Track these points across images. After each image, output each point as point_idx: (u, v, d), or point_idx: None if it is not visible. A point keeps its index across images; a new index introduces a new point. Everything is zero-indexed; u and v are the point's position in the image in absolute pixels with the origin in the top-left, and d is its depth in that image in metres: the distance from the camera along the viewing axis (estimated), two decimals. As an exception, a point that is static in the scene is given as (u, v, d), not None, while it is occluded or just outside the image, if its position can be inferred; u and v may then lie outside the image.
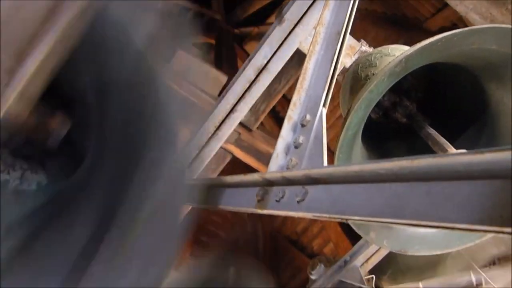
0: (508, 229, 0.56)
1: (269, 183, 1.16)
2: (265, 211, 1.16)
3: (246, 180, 1.27)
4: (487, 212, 0.59)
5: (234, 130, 3.86)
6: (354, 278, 2.58)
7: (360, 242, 2.65)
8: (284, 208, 1.07)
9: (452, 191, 0.65)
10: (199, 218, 5.77)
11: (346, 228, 5.09)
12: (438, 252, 1.78)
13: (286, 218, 6.36)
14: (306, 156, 1.14)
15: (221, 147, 3.96)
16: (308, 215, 0.98)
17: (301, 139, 1.19)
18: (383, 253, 2.58)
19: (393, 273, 2.98)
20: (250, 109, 3.81)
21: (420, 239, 1.76)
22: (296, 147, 1.19)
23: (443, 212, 0.65)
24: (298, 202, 1.01)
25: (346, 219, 0.86)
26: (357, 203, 0.84)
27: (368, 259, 2.63)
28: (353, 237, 2.73)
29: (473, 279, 2.83)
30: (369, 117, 2.00)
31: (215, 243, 5.76)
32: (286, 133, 1.23)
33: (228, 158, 3.74)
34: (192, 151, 2.13)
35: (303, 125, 1.22)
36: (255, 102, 3.91)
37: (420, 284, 2.75)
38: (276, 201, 1.10)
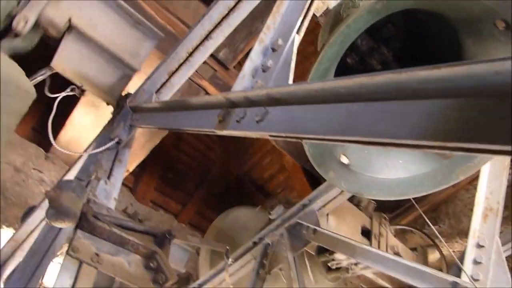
0: (451, 144, 0.56)
1: (232, 105, 1.14)
2: (224, 132, 1.14)
3: (209, 101, 1.24)
4: (435, 128, 0.59)
5: (210, 66, 3.80)
6: (310, 221, 2.66)
7: (321, 187, 2.71)
8: (243, 128, 1.06)
9: (406, 110, 0.65)
10: (166, 154, 5.75)
11: (310, 178, 5.20)
12: (394, 198, 1.83)
13: (254, 164, 6.44)
14: (273, 80, 1.12)
15: (195, 83, 3.91)
16: (265, 135, 0.97)
17: (269, 63, 1.16)
18: (340, 199, 2.65)
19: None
20: (229, 46, 3.73)
21: (378, 184, 1.80)
22: (264, 70, 1.16)
23: (394, 129, 0.65)
24: (257, 122, 0.99)
25: (302, 138, 0.86)
26: (314, 122, 0.83)
27: (326, 204, 2.70)
28: (316, 187, 2.79)
29: None
30: (345, 62, 1.98)
31: (181, 181, 5.80)
32: (255, 56, 1.20)
33: (202, 94, 3.68)
34: (161, 76, 2.07)
35: (273, 50, 1.19)
36: (235, 40, 3.82)
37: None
38: (237, 121, 1.09)
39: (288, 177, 6.05)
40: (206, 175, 6.14)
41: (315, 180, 4.40)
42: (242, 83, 1.16)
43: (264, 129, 0.97)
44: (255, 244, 2.92)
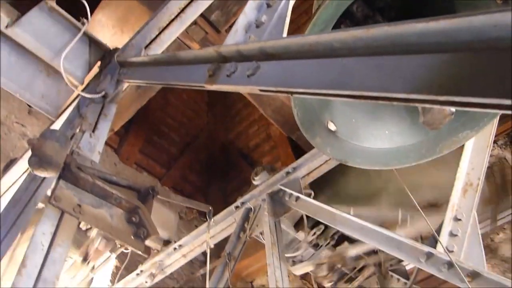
0: (442, 98, 0.56)
1: (223, 59, 1.12)
2: (214, 87, 1.13)
3: (200, 55, 1.22)
4: (429, 82, 0.58)
5: (202, 28, 3.72)
6: (293, 188, 2.68)
7: (306, 155, 2.72)
8: (233, 82, 1.04)
9: (401, 64, 0.64)
10: (152, 117, 5.69)
11: (295, 149, 5.22)
12: (377, 168, 1.85)
13: (240, 132, 6.43)
14: (266, 36, 1.10)
15: (185, 44, 3.83)
16: (255, 89, 0.95)
17: (263, 19, 1.13)
18: (324, 169, 2.67)
19: (330, 195, 3.11)
20: (222, 9, 3.65)
21: (363, 152, 1.81)
22: (257, 26, 1.14)
23: (387, 84, 0.65)
24: (248, 76, 0.98)
25: (292, 92, 0.85)
26: (306, 77, 0.82)
27: (310, 172, 2.72)
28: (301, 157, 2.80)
29: (400, 216, 3.01)
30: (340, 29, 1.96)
31: (167, 145, 5.77)
32: (249, 11, 1.17)
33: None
34: (151, 31, 2.02)
35: (268, 5, 1.16)
36: (228, 2, 3.73)
37: (351, 210, 2.89)
38: (227, 75, 1.07)
39: (273, 147, 6.07)
40: (192, 140, 6.13)
41: (300, 151, 4.42)
42: (235, 38, 1.14)
43: (255, 83, 0.95)
44: (237, 208, 2.95)
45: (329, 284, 3.38)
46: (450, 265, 1.97)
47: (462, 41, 0.55)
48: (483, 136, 2.09)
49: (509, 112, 0.53)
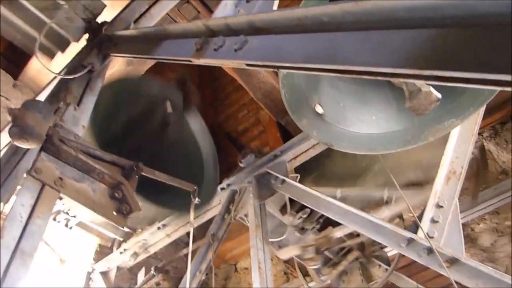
0: (426, 72, 0.55)
1: (211, 33, 1.10)
2: (201, 61, 1.11)
3: (188, 29, 1.20)
4: (415, 57, 0.58)
5: (194, 7, 3.66)
6: (280, 171, 2.69)
7: (293, 139, 2.72)
8: (220, 56, 1.02)
9: (389, 39, 0.63)
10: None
11: (284, 134, 5.22)
12: (362, 153, 1.86)
13: (229, 116, 6.40)
14: (255, 10, 1.08)
15: (176, 22, 3.77)
16: (242, 64, 0.94)
17: (254, -7, 1.11)
18: (311, 153, 2.68)
19: (317, 176, 3.12)
20: (214, -12, 3.59)
21: (349, 137, 1.82)
22: (247, 0, 1.12)
23: (374, 58, 0.64)
24: (235, 50, 0.96)
25: (278, 67, 0.84)
26: (293, 51, 0.81)
27: (297, 156, 2.72)
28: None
29: (385, 195, 3.03)
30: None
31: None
32: (240, -15, 1.15)
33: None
34: (140, 6, 1.98)
35: (260, -19, 1.14)
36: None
37: (338, 191, 2.91)
38: (215, 49, 1.05)
39: (262, 131, 6.06)
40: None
41: (289, 136, 4.42)
42: (224, 12, 1.12)
43: (242, 57, 0.94)
44: (222, 189, 2.95)
45: (314, 267, 3.42)
46: (430, 250, 2.00)
47: (450, 16, 0.55)
48: (468, 126, 2.11)
49: (495, 88, 0.53)
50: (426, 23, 0.58)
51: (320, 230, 3.23)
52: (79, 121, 1.74)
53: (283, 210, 3.10)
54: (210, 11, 3.63)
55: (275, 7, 1.04)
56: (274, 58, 0.84)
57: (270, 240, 3.08)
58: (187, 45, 1.17)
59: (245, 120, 6.22)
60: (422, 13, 0.58)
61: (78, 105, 1.81)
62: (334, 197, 2.85)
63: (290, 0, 4.56)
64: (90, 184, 1.59)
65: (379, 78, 0.63)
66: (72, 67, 2.02)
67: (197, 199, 2.03)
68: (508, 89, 0.51)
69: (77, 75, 1.86)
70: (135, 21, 1.98)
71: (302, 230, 3.18)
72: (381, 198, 3.06)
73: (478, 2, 0.52)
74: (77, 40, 2.06)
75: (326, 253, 3.34)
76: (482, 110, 2.07)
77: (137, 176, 1.75)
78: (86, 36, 2.17)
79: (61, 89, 1.88)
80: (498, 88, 0.52)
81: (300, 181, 2.85)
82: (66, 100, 1.78)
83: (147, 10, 1.96)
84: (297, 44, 0.80)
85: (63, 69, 2.14)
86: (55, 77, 2.16)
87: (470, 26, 0.53)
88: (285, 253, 3.20)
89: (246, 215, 2.77)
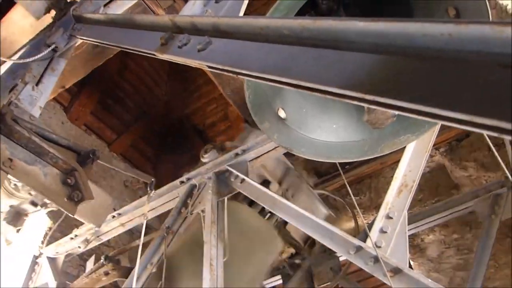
0: (369, 97, 0.58)
1: (177, 29, 1.10)
2: (164, 56, 1.11)
3: (155, 22, 1.19)
4: (361, 80, 0.60)
5: (170, -4, 3.61)
6: (240, 169, 2.71)
7: (257, 139, 2.75)
8: (183, 55, 1.03)
9: (340, 59, 0.66)
10: (109, 80, 5.50)
11: (251, 132, 5.24)
12: (320, 160, 1.90)
13: (198, 109, 6.37)
14: (223, 12, 1.08)
15: (151, 10, 3.71)
16: (203, 65, 0.95)
17: (223, -5, 1.12)
18: (273, 154, 2.71)
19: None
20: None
21: (309, 143, 1.85)
22: (216, 1, 1.12)
23: (324, 76, 0.66)
24: (198, 50, 0.97)
25: (238, 73, 0.85)
26: (253, 59, 0.82)
27: (259, 156, 2.75)
28: (255, 141, 2.81)
29: None
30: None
31: (120, 110, 5.61)
32: (211, -15, 1.15)
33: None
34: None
35: (231, -17, 1.14)
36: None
37: None
38: (179, 47, 1.05)
39: (229, 127, 6.07)
40: (148, 109, 5.99)
41: (254, 134, 4.45)
42: (192, 10, 1.12)
43: (204, 58, 0.95)
44: (182, 183, 2.93)
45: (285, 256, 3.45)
46: (376, 259, 2.07)
47: (395, 45, 0.57)
48: (423, 141, 2.19)
49: (432, 120, 0.56)
50: (374, 49, 0.61)
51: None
52: (36, 102, 1.69)
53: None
54: (186, 1, 3.60)
55: (241, 13, 1.05)
56: (235, 64, 0.85)
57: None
58: (152, 38, 1.17)
59: (213, 114, 6.21)
60: (371, 39, 0.61)
61: (37, 84, 1.76)
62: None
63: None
64: (42, 168, 1.55)
65: (328, 96, 0.65)
66: (34, 45, 1.96)
67: (153, 191, 2.02)
68: (443, 122, 0.54)
69: (39, 56, 1.80)
70: (105, 5, 1.95)
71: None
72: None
73: (421, 35, 0.54)
74: (38, 18, 2.00)
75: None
76: (437, 128, 2.16)
77: (93, 163, 1.72)
78: (53, 12, 2.11)
79: (20, 67, 1.83)
80: (435, 121, 0.55)
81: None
82: (24, 78, 1.72)
83: (118, -4, 1.92)
84: (258, 52, 0.82)
85: (24, 45, 2.07)
86: (16, 53, 2.09)
87: (413, 56, 0.56)
88: None
89: (202, 211, 2.77)
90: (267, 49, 0.81)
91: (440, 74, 0.53)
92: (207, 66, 0.94)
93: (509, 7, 2.68)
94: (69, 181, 1.60)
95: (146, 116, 5.94)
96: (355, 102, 0.61)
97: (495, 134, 0.48)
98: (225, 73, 0.89)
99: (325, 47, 0.69)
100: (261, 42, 0.83)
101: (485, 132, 0.49)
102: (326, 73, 0.66)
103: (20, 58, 1.94)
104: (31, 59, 1.77)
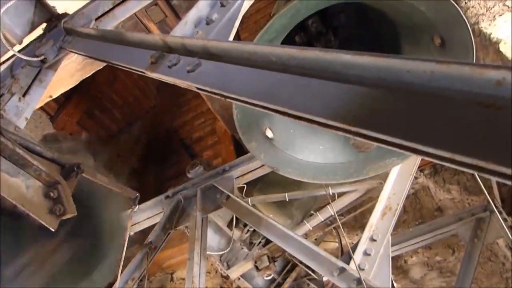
0: (353, 128, 0.59)
1: (168, 49, 1.11)
2: (154, 75, 1.11)
3: (145, 40, 1.19)
4: (347, 112, 0.61)
5: (162, 10, 3.64)
6: (226, 186, 2.70)
7: (243, 157, 2.75)
8: (173, 75, 1.03)
9: (326, 89, 0.67)
10: (97, 90, 5.48)
11: (238, 148, 5.25)
12: (306, 180, 1.91)
13: (186, 122, 6.36)
14: (213, 35, 1.10)
15: (142, 23, 3.72)
16: (193, 86, 0.95)
17: (214, 17, 1.13)
18: (259, 172, 2.71)
19: (262, 186, 3.14)
20: (186, -5, 3.59)
21: (295, 163, 1.86)
22: (207, 23, 1.13)
23: (311, 105, 0.67)
24: (188, 71, 0.98)
25: (226, 97, 0.85)
26: (241, 84, 0.83)
27: (245, 174, 2.75)
28: (242, 157, 2.81)
29: (330, 191, 3.05)
30: (294, 40, 2.00)
31: (107, 121, 5.58)
32: (203, 6, 1.16)
33: (146, 37, 3.52)
34: (105, 4, 1.95)
35: (222, 5, 1.16)
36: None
37: (286, 194, 2.94)
38: (168, 67, 1.06)
39: (216, 142, 6.07)
40: (134, 121, 5.97)
41: (242, 151, 4.46)
42: (183, 30, 1.13)
43: (193, 80, 0.95)
44: (167, 197, 2.91)
45: (269, 277, 3.40)
46: (359, 281, 2.07)
47: (380, 78, 0.59)
48: (408, 165, 2.22)
49: (414, 154, 0.57)
50: (359, 81, 0.62)
51: (266, 244, 3.25)
52: (22, 113, 1.68)
53: (230, 224, 3.10)
54: (177, 16, 3.63)
55: (232, 34, 1.06)
56: (223, 87, 0.86)
57: (213, 253, 3.08)
58: (142, 56, 1.17)
59: (200, 129, 6.21)
60: (356, 71, 0.62)
61: (23, 95, 1.74)
62: (284, 199, 2.88)
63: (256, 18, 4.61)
64: (25, 180, 1.53)
65: (314, 125, 0.66)
66: (24, 55, 1.95)
67: (137, 207, 2.00)
68: (424, 157, 0.55)
69: (29, 58, 1.80)
70: (97, 19, 1.95)
71: (250, 244, 3.18)
72: (325, 196, 3.07)
73: (405, 71, 0.56)
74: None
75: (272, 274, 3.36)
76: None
77: (76, 177, 1.70)
78: (44, 25, 2.10)
79: (7, 77, 1.81)
80: (416, 155, 0.56)
81: (248, 191, 2.88)
82: (11, 89, 1.71)
83: (110, 9, 1.93)
84: (246, 77, 0.83)
85: (12, 56, 2.05)
86: (4, 63, 2.08)
87: (397, 91, 0.58)
88: (237, 271, 3.17)
89: (187, 227, 2.75)
90: (255, 74, 0.82)
91: (422, 110, 0.55)
92: (196, 87, 0.94)
93: (492, 35, 2.76)
94: (51, 194, 1.57)
95: (132, 128, 5.91)
96: (340, 133, 0.62)
97: (474, 172, 0.49)
98: (214, 95, 0.89)
99: (311, 76, 0.70)
100: (250, 67, 0.84)
101: (465, 170, 0.50)
102: (312, 102, 0.67)
103: (7, 67, 1.93)
104: (25, 57, 1.76)
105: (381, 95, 0.59)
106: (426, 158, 0.54)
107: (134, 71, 1.23)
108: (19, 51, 2.04)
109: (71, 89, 4.37)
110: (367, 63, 0.60)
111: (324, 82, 0.67)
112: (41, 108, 4.43)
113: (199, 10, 1.15)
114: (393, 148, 0.56)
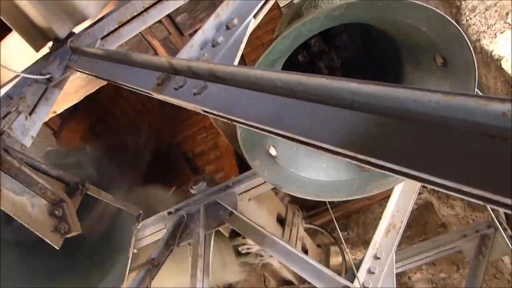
0: (362, 156, 0.60)
1: (174, 71, 1.12)
2: (160, 96, 1.12)
3: (152, 62, 1.21)
4: (354, 139, 0.62)
5: (166, 28, 3.68)
6: (229, 203, 2.70)
7: (247, 173, 2.76)
8: (179, 97, 1.05)
9: (333, 115, 0.68)
10: (100, 106, 5.51)
11: (240, 162, 5.26)
12: (309, 198, 1.91)
13: (188, 136, 6.38)
14: (219, 57, 1.11)
15: (146, 41, 3.76)
16: (199, 108, 0.97)
17: (220, 39, 1.15)
18: (262, 188, 2.72)
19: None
20: (189, 12, 3.63)
21: (298, 181, 1.87)
22: (213, 45, 1.15)
23: (318, 131, 0.68)
24: (194, 94, 0.99)
25: (232, 120, 0.87)
26: (247, 107, 0.84)
27: (248, 190, 2.75)
28: (244, 172, 2.82)
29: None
30: (296, 59, 2.02)
31: (109, 136, 5.60)
32: (208, 29, 1.18)
33: (150, 54, 3.56)
34: (110, 24, 1.98)
35: (227, 27, 1.18)
36: (197, 7, 3.72)
37: None
38: (175, 89, 1.07)
39: (219, 157, 6.07)
40: (137, 135, 5.98)
41: (244, 165, 4.47)
42: (189, 52, 1.15)
43: (199, 102, 0.97)
44: (170, 214, 2.91)
45: None
46: (363, 300, 2.07)
47: (386, 107, 0.60)
48: (411, 183, 2.22)
49: (422, 183, 0.58)
50: (365, 108, 0.63)
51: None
52: (28, 131, 1.69)
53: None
54: (181, 33, 3.67)
55: (238, 57, 1.08)
56: (229, 111, 0.87)
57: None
58: (149, 77, 1.19)
59: (203, 143, 6.22)
60: (363, 98, 0.63)
61: (30, 114, 1.76)
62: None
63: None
64: (30, 199, 1.53)
65: (321, 151, 0.67)
66: (30, 73, 1.97)
67: (141, 223, 2.00)
68: (430, 186, 0.56)
69: (34, 76, 1.82)
70: (103, 38, 1.98)
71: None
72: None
73: (411, 100, 0.57)
74: (37, 50, 2.02)
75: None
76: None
77: (81, 195, 1.71)
78: (51, 43, 2.13)
79: (14, 95, 1.83)
80: (422, 183, 0.57)
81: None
82: (18, 107, 1.73)
83: (116, 29, 1.96)
84: (252, 101, 0.84)
85: (16, 76, 2.08)
86: (11, 81, 2.10)
87: (402, 119, 0.59)
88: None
89: (189, 243, 2.74)
90: (261, 98, 0.83)
91: (427, 139, 0.55)
92: (202, 110, 0.96)
93: (494, 52, 2.78)
94: (56, 212, 1.58)
95: (135, 143, 5.92)
96: (347, 159, 0.63)
97: (480, 202, 0.50)
98: (220, 118, 0.90)
99: (318, 102, 0.71)
100: (256, 91, 0.85)
101: (471, 200, 0.51)
102: (320, 128, 0.68)
103: (14, 85, 1.95)
104: (30, 76, 1.78)
105: (386, 123, 0.60)
106: (431, 187, 0.55)
107: (140, 92, 1.24)
108: (24, 71, 2.07)
109: (75, 104, 4.41)
110: (373, 92, 0.61)
111: (330, 108, 0.69)
112: (45, 123, 4.45)
113: (205, 32, 1.17)
114: (399, 176, 0.57)
